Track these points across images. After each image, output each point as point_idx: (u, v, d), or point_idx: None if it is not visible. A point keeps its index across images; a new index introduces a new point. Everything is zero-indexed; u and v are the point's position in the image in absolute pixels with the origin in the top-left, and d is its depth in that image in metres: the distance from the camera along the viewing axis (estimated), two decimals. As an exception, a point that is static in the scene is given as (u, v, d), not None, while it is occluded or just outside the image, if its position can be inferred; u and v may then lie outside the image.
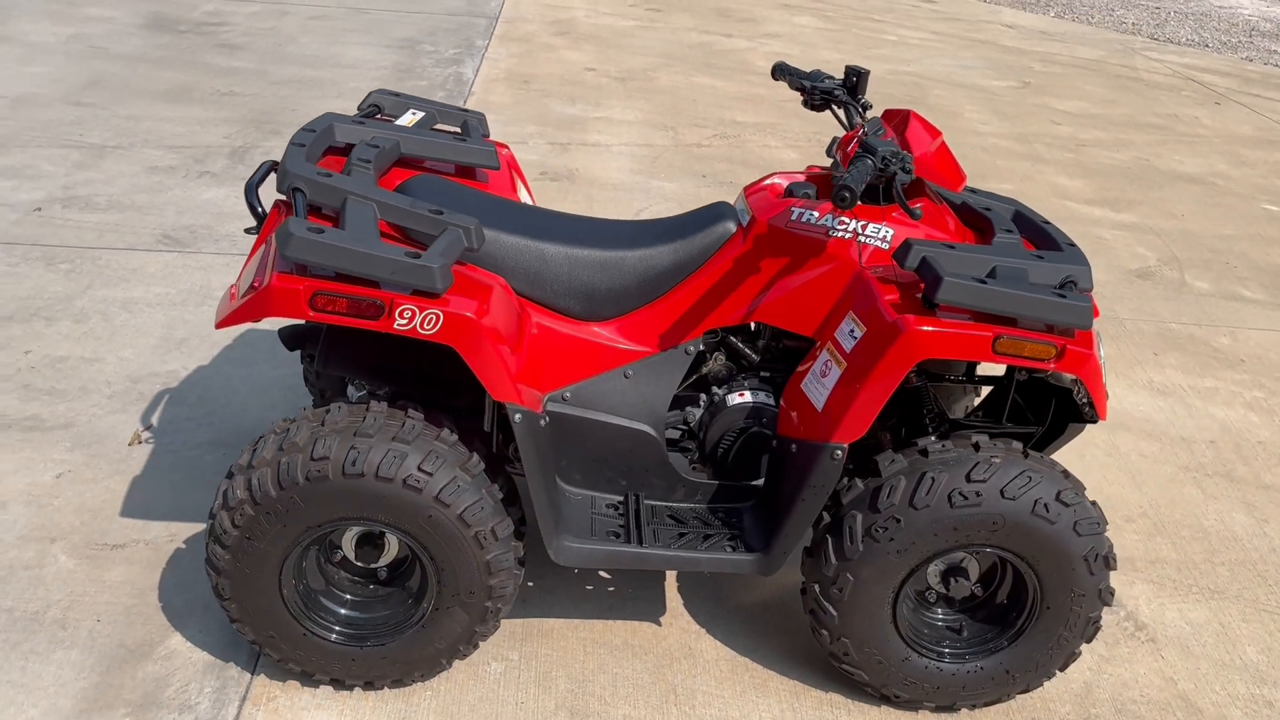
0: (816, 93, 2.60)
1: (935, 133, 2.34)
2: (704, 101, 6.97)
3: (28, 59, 6.47)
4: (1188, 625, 2.81)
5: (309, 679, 2.32)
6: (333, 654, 2.25)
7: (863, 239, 2.28)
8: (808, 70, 2.68)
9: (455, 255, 2.03)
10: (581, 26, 8.69)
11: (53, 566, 2.60)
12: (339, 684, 2.31)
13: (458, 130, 2.67)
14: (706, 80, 7.47)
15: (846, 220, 2.28)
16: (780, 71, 2.73)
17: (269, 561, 2.13)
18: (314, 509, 2.08)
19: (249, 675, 2.35)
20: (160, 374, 3.39)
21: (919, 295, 2.13)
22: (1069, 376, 2.33)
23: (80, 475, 2.91)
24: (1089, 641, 2.36)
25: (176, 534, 2.73)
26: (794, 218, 2.31)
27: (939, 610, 2.42)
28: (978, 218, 2.42)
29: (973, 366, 2.54)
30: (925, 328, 2.06)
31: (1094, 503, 2.27)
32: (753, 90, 7.30)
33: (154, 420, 3.17)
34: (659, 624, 2.62)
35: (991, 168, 6.21)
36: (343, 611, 2.27)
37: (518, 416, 2.09)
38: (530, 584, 2.66)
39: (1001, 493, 2.16)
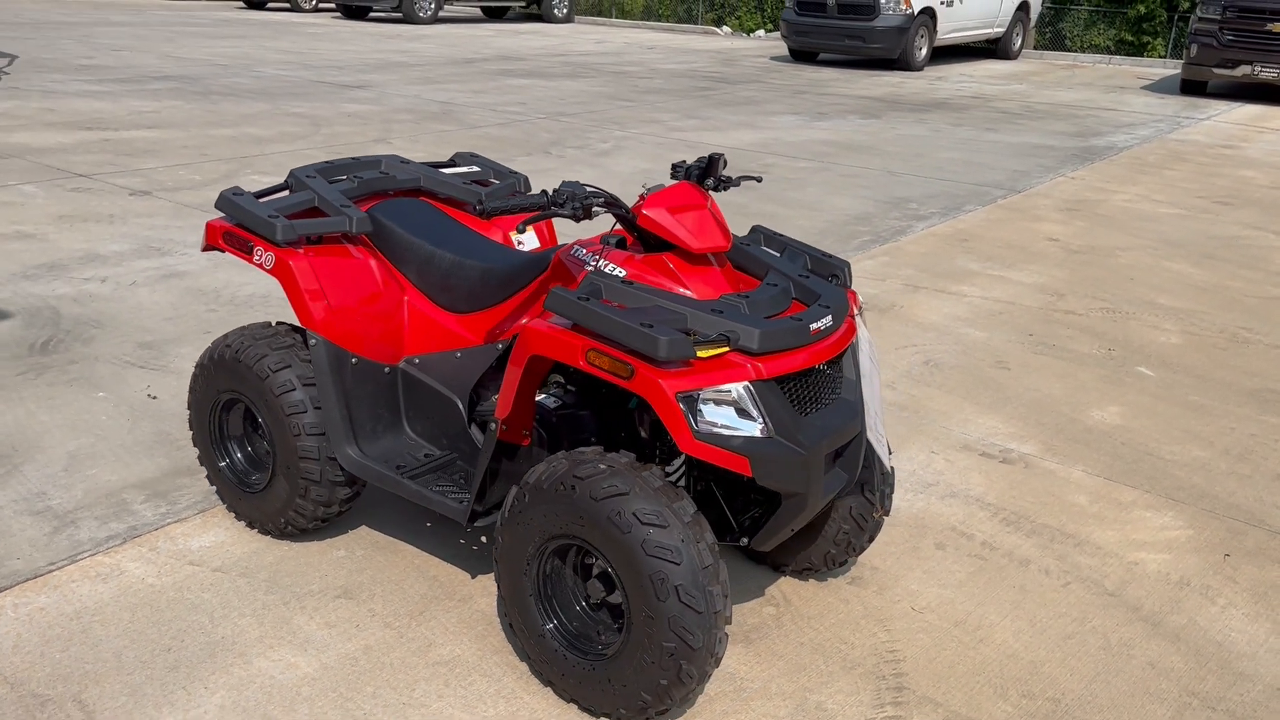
0: (679, 170, 3.01)
1: (699, 198, 2.67)
2: (1144, 281, 6.53)
3: (571, 175, 8.57)
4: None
5: (238, 514, 3.37)
6: (232, 492, 3.28)
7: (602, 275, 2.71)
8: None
9: (323, 229, 2.99)
10: (1104, 208, 8.47)
11: (214, 424, 4.03)
12: (239, 516, 3.33)
13: (496, 181, 3.58)
14: (1178, 266, 6.92)
15: (597, 258, 2.73)
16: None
17: (203, 410, 3.26)
18: (218, 379, 3.17)
19: (219, 503, 3.48)
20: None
21: None
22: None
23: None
24: (683, 684, 2.41)
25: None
26: (570, 253, 2.82)
27: (597, 611, 2.65)
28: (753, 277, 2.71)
29: None
30: (537, 329, 2.49)
31: (704, 543, 2.39)
32: (1222, 281, 6.61)
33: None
34: (474, 578, 3.16)
35: None
36: (238, 456, 3.30)
37: (312, 341, 2.95)
38: (429, 524, 3.40)
39: (590, 493, 2.44)
